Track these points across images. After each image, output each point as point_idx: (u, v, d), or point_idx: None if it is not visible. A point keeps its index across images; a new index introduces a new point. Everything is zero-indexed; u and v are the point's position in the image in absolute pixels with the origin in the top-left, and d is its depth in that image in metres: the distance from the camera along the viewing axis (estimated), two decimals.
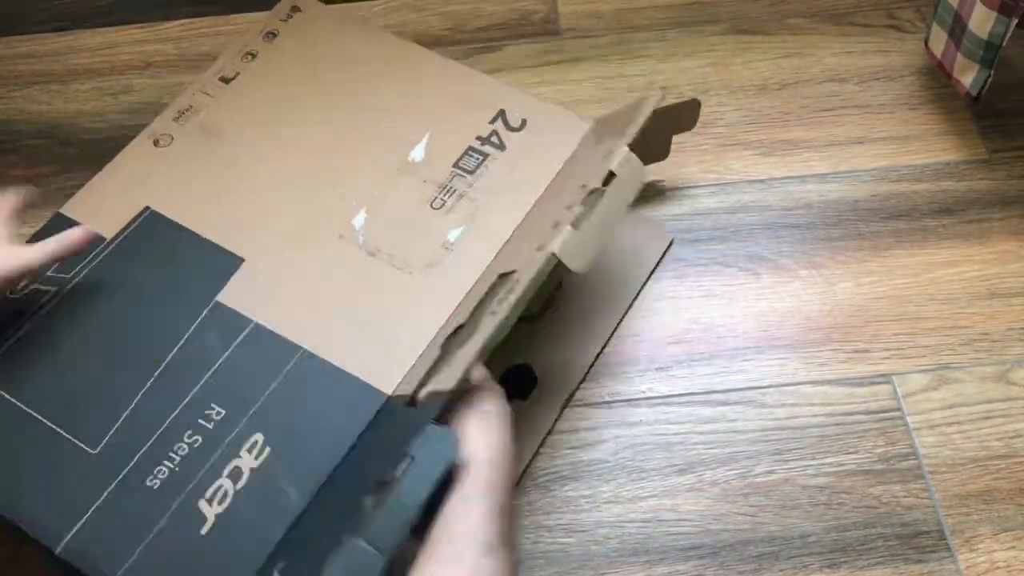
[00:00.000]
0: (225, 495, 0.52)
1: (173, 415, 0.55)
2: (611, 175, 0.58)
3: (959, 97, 0.78)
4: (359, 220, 0.62)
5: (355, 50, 0.71)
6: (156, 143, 0.66)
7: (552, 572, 0.59)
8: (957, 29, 0.74)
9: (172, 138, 0.67)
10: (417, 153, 0.65)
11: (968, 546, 0.60)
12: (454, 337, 0.56)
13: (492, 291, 0.56)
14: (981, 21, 0.71)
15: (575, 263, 0.55)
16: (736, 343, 0.68)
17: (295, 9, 0.73)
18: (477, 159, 0.65)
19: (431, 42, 0.85)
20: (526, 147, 0.66)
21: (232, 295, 0.59)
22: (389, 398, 0.55)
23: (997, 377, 0.66)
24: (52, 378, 0.57)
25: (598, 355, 0.68)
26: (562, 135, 0.66)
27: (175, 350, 0.57)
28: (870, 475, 0.62)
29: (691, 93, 0.81)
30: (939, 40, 0.77)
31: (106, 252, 0.61)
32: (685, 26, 0.86)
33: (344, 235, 0.62)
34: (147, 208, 0.63)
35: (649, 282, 0.71)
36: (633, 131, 0.61)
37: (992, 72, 0.73)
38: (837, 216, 0.74)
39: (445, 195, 0.63)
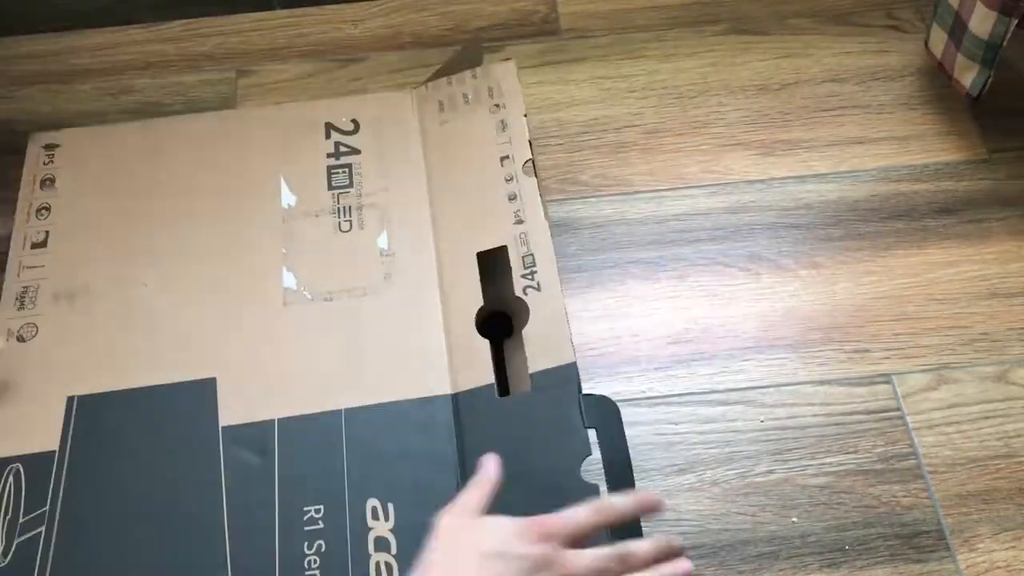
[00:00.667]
0: (390, 567, 0.50)
1: (278, 545, 0.51)
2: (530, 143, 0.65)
3: (959, 97, 0.78)
4: (289, 280, 0.61)
5: (149, 147, 0.68)
6: (21, 339, 0.59)
7: None
8: (957, 29, 0.74)
9: (36, 327, 0.60)
10: (287, 199, 0.64)
11: (968, 546, 0.60)
12: (488, 319, 0.57)
13: (496, 269, 0.58)
14: (981, 21, 0.71)
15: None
16: (736, 343, 0.68)
17: (52, 147, 0.70)
18: (344, 172, 0.65)
19: (432, 42, 0.85)
20: (376, 140, 0.67)
21: (232, 413, 0.55)
22: (456, 396, 0.55)
23: (997, 377, 0.66)
24: None
25: None
26: (396, 113, 0.69)
27: (225, 498, 0.53)
28: (870, 475, 0.62)
29: (691, 93, 0.81)
30: (939, 40, 0.77)
31: (67, 465, 0.54)
32: (685, 26, 0.86)
33: (288, 301, 0.60)
34: (72, 399, 0.56)
35: (648, 283, 0.71)
36: (519, 100, 0.68)
37: (992, 72, 0.73)
38: (837, 216, 0.74)
39: (346, 216, 0.63)
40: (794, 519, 0.61)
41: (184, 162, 0.68)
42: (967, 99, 0.76)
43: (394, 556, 0.51)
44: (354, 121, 0.68)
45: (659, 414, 0.65)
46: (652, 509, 0.49)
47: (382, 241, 0.62)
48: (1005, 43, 0.70)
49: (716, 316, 0.69)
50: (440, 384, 0.56)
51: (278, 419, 0.55)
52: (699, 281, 0.71)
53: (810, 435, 0.64)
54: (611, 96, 0.81)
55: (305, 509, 0.52)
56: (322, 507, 0.52)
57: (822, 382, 0.66)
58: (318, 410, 0.55)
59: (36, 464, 0.54)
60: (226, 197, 0.65)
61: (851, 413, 0.65)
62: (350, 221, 0.63)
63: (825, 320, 0.69)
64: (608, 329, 0.69)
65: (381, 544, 0.51)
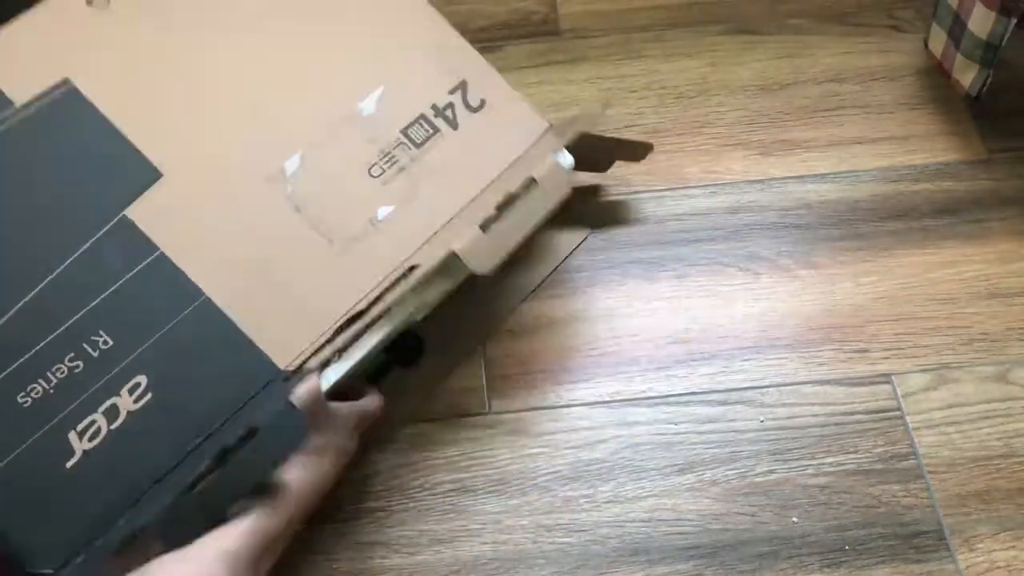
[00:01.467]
0: (97, 432, 0.50)
1: (57, 331, 0.50)
2: (531, 181, 0.59)
3: (959, 97, 0.78)
4: (292, 164, 0.58)
5: None
6: (89, 1, 0.57)
7: (552, 572, 0.59)
8: (957, 29, 0.74)
9: (108, 0, 0.57)
10: (368, 105, 0.61)
11: (968, 546, 0.60)
12: (348, 324, 0.56)
13: (394, 285, 0.57)
14: (980, 21, 0.71)
15: (478, 265, 0.56)
16: (736, 343, 0.68)
17: None
18: (426, 132, 0.61)
19: None
20: (478, 133, 0.63)
21: (143, 213, 0.53)
22: (281, 371, 0.54)
23: (997, 377, 0.66)
24: None
25: (495, 326, 0.69)
26: (516, 130, 0.64)
27: (70, 260, 0.51)
28: (870, 475, 0.62)
29: (691, 93, 0.81)
30: (939, 40, 0.77)
31: (9, 121, 0.52)
32: (685, 26, 0.86)
33: (273, 177, 0.57)
34: (66, 81, 0.54)
35: (648, 283, 0.71)
36: (562, 141, 0.61)
37: (992, 72, 0.73)
38: (837, 216, 0.74)
39: (386, 163, 0.60)
40: (794, 519, 0.61)
41: None
42: (967, 99, 0.77)
43: (110, 430, 0.50)
44: (483, 101, 0.63)
45: (659, 414, 0.65)
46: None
47: (383, 211, 0.59)
48: (1004, 43, 0.71)
49: (716, 316, 0.69)
50: (285, 354, 0.54)
51: (162, 252, 0.53)
52: (699, 281, 0.71)
53: (810, 435, 0.64)
54: (611, 96, 0.81)
55: (100, 332, 0.51)
56: (111, 343, 0.51)
57: (822, 382, 0.66)
58: (192, 277, 0.53)
59: None
60: (336, 54, 0.62)
61: (851, 413, 0.65)
62: (383, 170, 0.60)
63: (825, 320, 0.69)
64: (608, 329, 0.69)
65: (111, 412, 0.50)
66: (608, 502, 0.62)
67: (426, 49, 0.64)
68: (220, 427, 0.52)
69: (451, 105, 0.63)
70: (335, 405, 0.56)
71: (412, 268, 0.57)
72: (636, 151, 0.73)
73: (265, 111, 0.59)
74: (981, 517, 0.61)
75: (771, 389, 0.66)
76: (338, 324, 0.55)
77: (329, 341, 0.55)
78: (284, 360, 0.54)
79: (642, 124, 0.80)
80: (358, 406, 0.59)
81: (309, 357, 0.54)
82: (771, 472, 0.63)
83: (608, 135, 0.70)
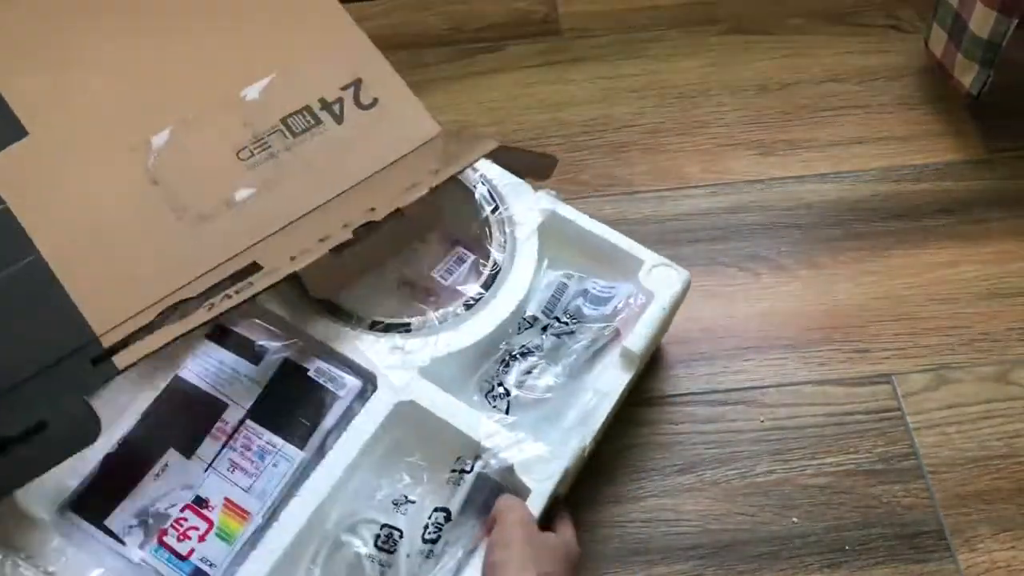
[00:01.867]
0: None
1: None
2: (397, 212, 0.55)
3: (959, 97, 0.78)
4: (160, 139, 0.57)
5: None
6: None
7: None
8: (957, 29, 0.74)
9: None
10: (252, 91, 0.60)
11: (968, 546, 0.60)
12: (174, 309, 0.54)
13: (231, 279, 0.55)
14: (981, 21, 0.71)
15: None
16: (736, 343, 0.68)
17: None
18: (307, 123, 0.60)
19: (431, 42, 0.85)
20: (362, 130, 0.61)
21: None
22: (96, 340, 0.52)
23: (997, 377, 0.66)
24: None
25: None
26: (403, 132, 0.62)
27: None
28: (870, 475, 0.62)
29: (691, 93, 0.81)
30: (939, 40, 0.77)
31: None
32: (685, 26, 0.86)
33: (137, 148, 0.57)
34: None
35: None
36: (444, 175, 0.58)
37: (993, 72, 0.73)
38: (837, 216, 0.74)
39: (257, 147, 0.59)
40: (794, 519, 0.61)
41: None
42: (967, 99, 0.76)
43: None
44: (375, 100, 0.62)
45: (659, 414, 0.65)
46: None
47: (242, 194, 0.58)
48: (1005, 43, 0.71)
49: (716, 316, 0.69)
50: (102, 321, 0.53)
51: (6, 205, 0.53)
52: (699, 281, 0.71)
53: (810, 435, 0.64)
54: (611, 96, 0.81)
55: None
56: None
57: (822, 382, 0.66)
58: (29, 232, 0.53)
59: None
60: (227, 42, 0.62)
61: (851, 413, 0.65)
62: (252, 154, 0.59)
63: (825, 320, 0.69)
64: None
65: None
66: (608, 502, 0.62)
67: (326, 46, 0.63)
68: (21, 384, 0.50)
69: (340, 100, 0.61)
70: (546, 535, 0.51)
71: (254, 265, 0.55)
72: (542, 167, 0.69)
73: (147, 89, 0.59)
74: (981, 517, 0.61)
75: (771, 389, 0.66)
76: (160, 308, 0.53)
77: (148, 326, 0.53)
78: (102, 327, 0.52)
79: (642, 124, 0.80)
80: (568, 539, 0.53)
81: (132, 334, 0.52)
82: (771, 472, 0.63)
83: (512, 146, 0.66)
